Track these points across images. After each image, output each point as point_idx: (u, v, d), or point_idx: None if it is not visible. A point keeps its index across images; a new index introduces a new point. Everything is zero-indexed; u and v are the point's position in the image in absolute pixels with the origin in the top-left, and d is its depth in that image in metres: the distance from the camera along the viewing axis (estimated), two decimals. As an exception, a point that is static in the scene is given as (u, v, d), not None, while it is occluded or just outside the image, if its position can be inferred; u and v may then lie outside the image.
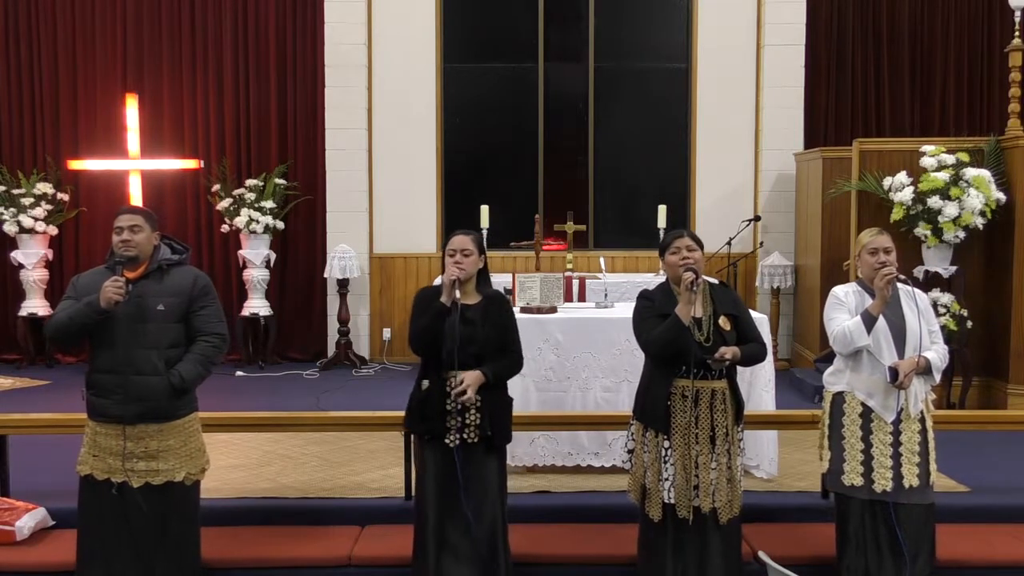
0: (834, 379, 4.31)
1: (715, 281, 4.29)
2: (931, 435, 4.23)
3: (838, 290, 4.33)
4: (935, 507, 4.27)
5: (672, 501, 4.06)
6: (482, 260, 4.18)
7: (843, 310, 4.23)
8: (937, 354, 4.20)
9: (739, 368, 4.34)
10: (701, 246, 4.17)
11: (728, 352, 4.00)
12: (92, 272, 4.11)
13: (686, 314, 3.99)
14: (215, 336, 4.09)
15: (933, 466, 4.22)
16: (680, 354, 4.00)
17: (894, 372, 4.07)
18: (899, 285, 4.25)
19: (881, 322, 4.14)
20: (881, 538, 4.17)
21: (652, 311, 4.11)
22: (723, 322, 4.10)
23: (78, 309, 3.91)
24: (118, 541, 4.00)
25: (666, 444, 4.06)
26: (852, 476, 4.17)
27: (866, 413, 4.18)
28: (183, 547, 4.10)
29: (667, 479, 4.06)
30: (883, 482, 4.12)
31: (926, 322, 4.23)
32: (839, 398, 4.26)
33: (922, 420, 4.20)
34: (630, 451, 4.28)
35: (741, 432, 4.24)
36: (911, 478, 4.13)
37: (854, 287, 4.29)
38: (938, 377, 4.24)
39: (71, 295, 4.02)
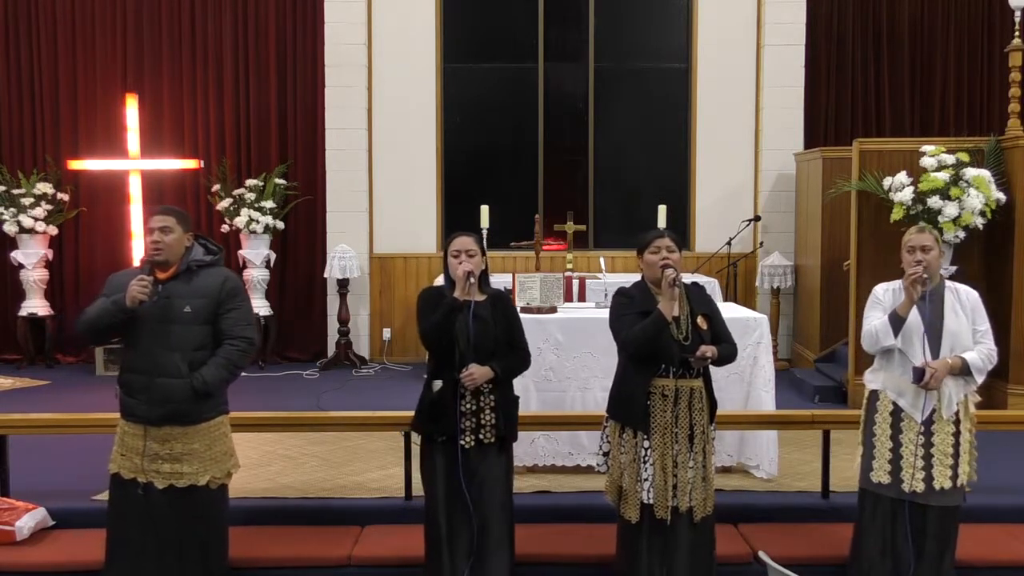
0: (871, 376, 4.32)
1: (688, 281, 4.29)
2: (966, 437, 4.18)
3: (878, 288, 4.32)
4: (961, 509, 4.24)
5: (651, 501, 4.04)
6: (484, 260, 4.20)
7: (879, 308, 4.22)
8: (980, 355, 4.13)
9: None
10: (680, 248, 4.16)
11: (708, 350, 4.00)
12: (127, 272, 4.12)
13: (668, 311, 3.97)
14: (241, 340, 4.02)
15: (965, 468, 4.17)
16: (659, 352, 3.99)
17: (919, 372, 4.04)
18: (949, 283, 4.23)
19: (916, 321, 4.11)
20: (906, 538, 4.14)
21: (631, 308, 4.09)
22: (700, 321, 4.10)
23: (105, 308, 3.91)
24: (143, 539, 3.99)
25: (646, 444, 4.04)
26: (879, 474, 4.17)
27: (896, 412, 4.18)
28: (207, 550, 4.08)
29: (647, 479, 4.04)
30: (914, 483, 4.10)
31: (972, 322, 4.18)
32: (873, 396, 4.28)
33: (956, 422, 4.16)
34: (605, 453, 4.25)
35: (714, 431, 4.24)
36: (943, 480, 4.11)
37: (895, 285, 4.26)
38: (980, 379, 4.17)
39: (106, 293, 4.02)
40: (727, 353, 4.15)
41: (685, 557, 4.07)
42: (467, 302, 4.03)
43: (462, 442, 4.04)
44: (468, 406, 4.05)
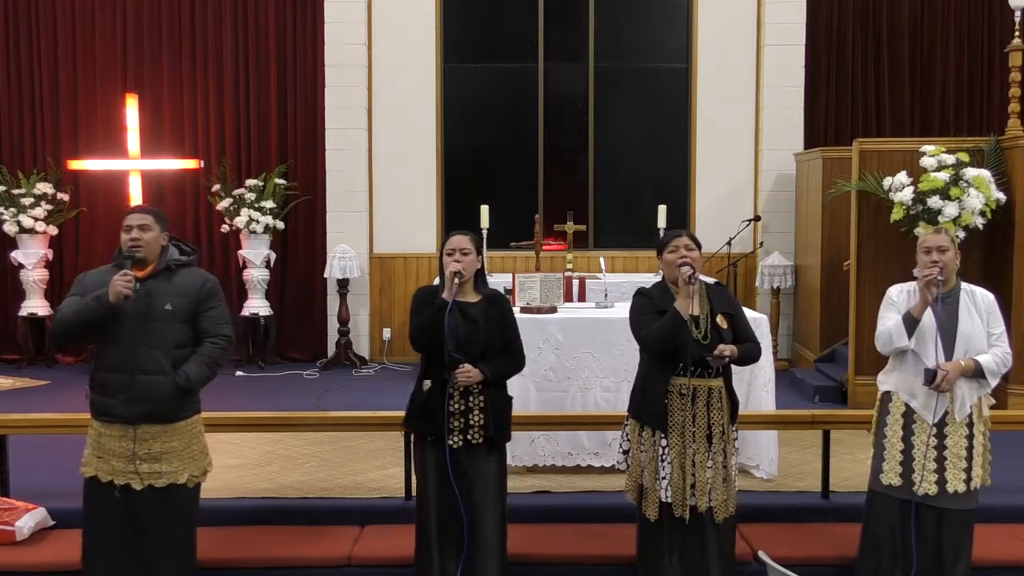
0: (884, 378, 4.31)
1: (711, 281, 4.31)
2: (980, 440, 4.18)
3: (892, 289, 4.31)
4: (975, 513, 4.24)
5: (669, 500, 4.05)
6: (480, 260, 4.19)
7: (894, 310, 4.22)
8: (994, 357, 4.12)
9: (737, 368, 4.35)
10: (699, 246, 4.19)
11: (727, 349, 4.01)
12: (98, 271, 4.09)
13: (685, 308, 4.00)
14: (222, 338, 4.06)
15: (978, 471, 4.16)
16: (678, 350, 4.00)
17: (930, 374, 4.03)
18: (965, 285, 4.23)
19: (930, 322, 4.09)
20: (917, 541, 4.13)
21: (650, 307, 4.12)
22: (720, 320, 4.12)
23: (85, 303, 3.88)
24: (122, 542, 3.99)
25: (663, 442, 4.06)
26: (890, 475, 4.17)
27: (908, 414, 4.17)
28: (183, 548, 4.09)
29: (664, 478, 4.06)
30: (925, 485, 4.09)
31: (987, 324, 4.17)
32: (886, 397, 4.27)
33: (970, 425, 4.15)
34: (625, 451, 4.27)
35: (736, 432, 4.24)
36: (956, 483, 4.10)
37: (910, 286, 4.25)
38: (994, 382, 4.16)
39: (76, 292, 3.99)
40: (749, 352, 4.17)
41: (712, 558, 4.08)
42: (449, 302, 4.02)
43: (450, 442, 4.04)
44: (456, 406, 4.05)
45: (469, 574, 4.08)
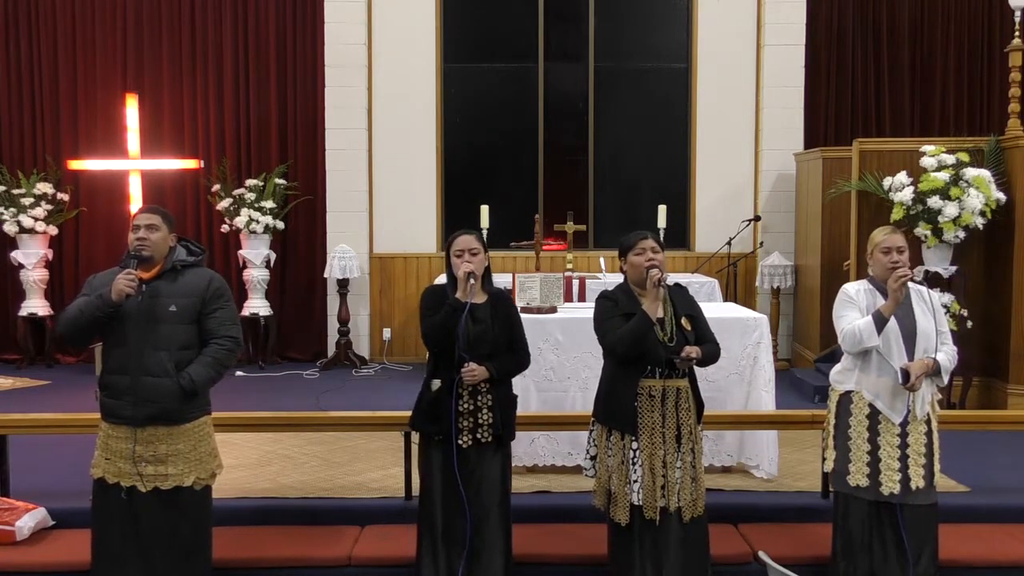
0: (841, 378, 4.29)
1: (671, 283, 4.32)
2: (936, 436, 4.22)
3: (849, 287, 4.30)
4: (938, 507, 4.27)
5: (640, 503, 4.04)
6: (487, 259, 4.20)
7: (853, 308, 4.20)
8: (946, 355, 4.16)
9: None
10: (663, 248, 4.19)
11: (693, 351, 4.02)
12: (108, 272, 4.08)
13: (654, 311, 4.01)
14: (228, 339, 4.02)
15: (937, 466, 4.20)
16: (646, 353, 4.01)
17: (906, 374, 4.04)
18: (911, 285, 4.24)
19: (892, 322, 4.10)
20: (887, 539, 4.16)
21: (615, 311, 4.11)
22: (684, 322, 4.12)
23: (88, 301, 3.88)
24: (130, 545, 3.97)
25: (634, 446, 4.05)
26: (857, 477, 4.16)
27: (873, 414, 4.16)
28: (193, 552, 4.07)
29: (636, 481, 4.04)
30: (891, 484, 4.10)
31: (936, 323, 4.20)
32: (846, 398, 4.24)
33: (928, 421, 4.18)
34: (592, 457, 4.26)
35: (702, 431, 4.25)
36: (917, 480, 4.12)
37: (865, 285, 4.26)
38: (946, 379, 4.21)
39: (86, 293, 3.98)
40: (710, 353, 4.17)
41: (677, 557, 4.07)
42: (466, 303, 4.03)
43: (459, 441, 4.05)
44: (466, 405, 4.07)
45: (474, 573, 4.08)
